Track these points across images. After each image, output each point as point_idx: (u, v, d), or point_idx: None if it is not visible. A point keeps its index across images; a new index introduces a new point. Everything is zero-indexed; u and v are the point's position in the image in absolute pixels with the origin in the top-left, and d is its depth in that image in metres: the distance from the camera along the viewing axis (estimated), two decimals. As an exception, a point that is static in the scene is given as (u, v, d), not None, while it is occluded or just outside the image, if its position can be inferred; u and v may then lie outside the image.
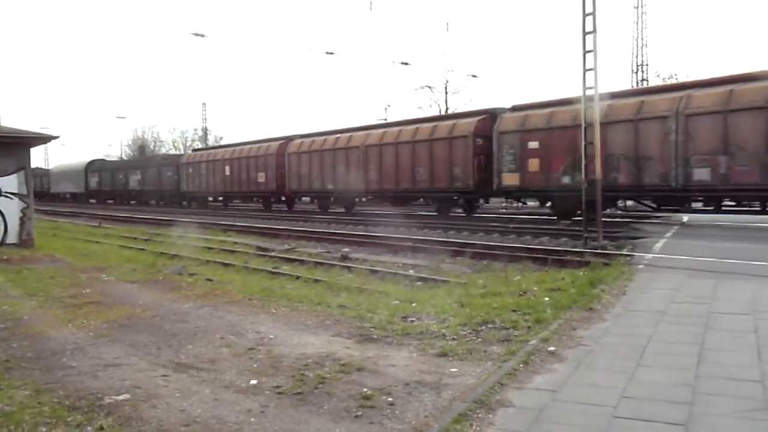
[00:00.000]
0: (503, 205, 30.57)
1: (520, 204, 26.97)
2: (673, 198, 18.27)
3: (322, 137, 31.84)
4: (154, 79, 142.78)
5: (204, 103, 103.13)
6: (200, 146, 74.20)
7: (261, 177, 34.60)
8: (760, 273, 9.15)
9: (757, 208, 17.87)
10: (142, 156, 69.77)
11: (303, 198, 36.09)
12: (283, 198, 34.83)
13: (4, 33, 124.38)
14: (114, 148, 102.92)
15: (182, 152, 63.56)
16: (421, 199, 27.90)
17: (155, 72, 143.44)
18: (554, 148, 20.26)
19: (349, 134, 29.98)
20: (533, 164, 20.90)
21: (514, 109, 22.79)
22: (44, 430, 4.19)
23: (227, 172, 37.51)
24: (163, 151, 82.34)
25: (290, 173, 32.61)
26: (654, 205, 19.78)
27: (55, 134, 18.50)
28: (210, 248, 17.08)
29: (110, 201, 52.90)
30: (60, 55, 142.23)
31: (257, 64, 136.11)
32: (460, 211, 25.77)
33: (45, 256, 14.58)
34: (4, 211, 15.96)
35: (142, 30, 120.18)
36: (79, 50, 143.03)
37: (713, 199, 17.79)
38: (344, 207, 30.74)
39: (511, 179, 21.65)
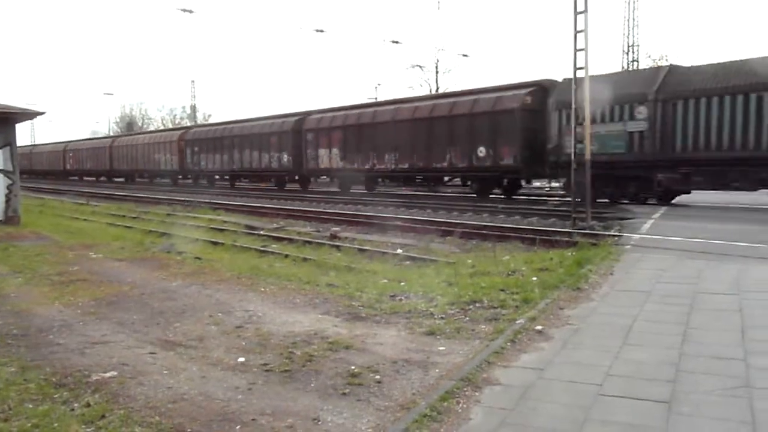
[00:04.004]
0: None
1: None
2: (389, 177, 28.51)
3: (206, 128, 41.92)
4: (142, 55, 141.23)
5: (193, 81, 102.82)
6: (186, 125, 73.73)
7: (163, 159, 42.84)
8: (746, 254, 9.24)
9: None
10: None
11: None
12: (188, 177, 43.05)
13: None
14: (102, 124, 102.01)
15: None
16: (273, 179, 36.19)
17: (143, 48, 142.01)
18: (334, 142, 29.21)
19: (231, 126, 38.54)
20: (322, 153, 29.90)
21: (317, 112, 31.90)
22: (30, 406, 4.18)
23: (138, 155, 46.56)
24: (152, 128, 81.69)
25: (186, 157, 40.87)
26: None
27: (41, 110, 18.31)
28: (198, 226, 17.01)
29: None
30: (46, 30, 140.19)
31: (246, 42, 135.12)
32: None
33: (31, 234, 14.47)
34: (-11, 188, 15.81)
35: (130, 5, 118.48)
36: (65, 25, 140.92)
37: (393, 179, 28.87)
38: (230, 183, 39.09)
39: (311, 164, 30.68)
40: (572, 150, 13.98)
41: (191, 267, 9.87)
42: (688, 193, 19.16)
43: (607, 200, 19.52)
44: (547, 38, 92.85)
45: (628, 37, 45.62)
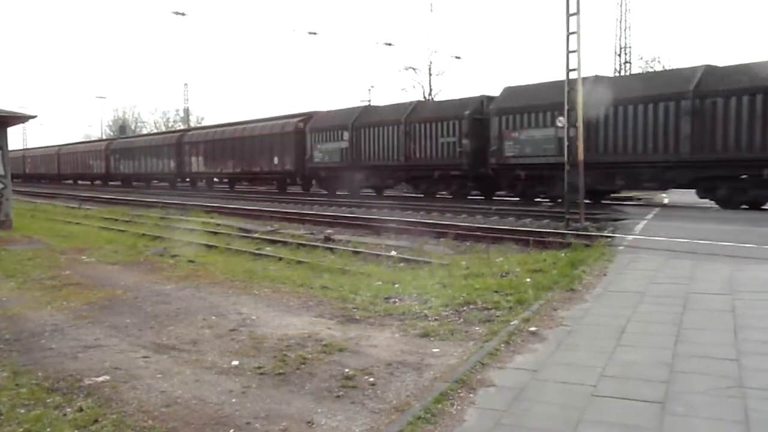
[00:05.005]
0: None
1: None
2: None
3: (123, 140, 53.38)
4: (135, 58, 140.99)
5: (186, 84, 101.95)
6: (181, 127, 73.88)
7: (95, 165, 52.27)
8: (738, 254, 9.28)
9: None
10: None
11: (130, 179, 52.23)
12: (113, 179, 51.90)
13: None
14: (94, 128, 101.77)
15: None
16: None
17: (136, 51, 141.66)
18: (200, 153, 39.20)
19: (138, 138, 51.12)
20: (193, 161, 39.99)
21: (194, 129, 45.57)
22: (23, 411, 4.15)
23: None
24: (145, 131, 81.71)
25: (110, 163, 50.25)
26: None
27: (32, 114, 18.17)
28: (192, 229, 16.95)
29: None
30: (38, 33, 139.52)
31: (240, 44, 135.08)
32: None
33: (23, 238, 14.38)
34: (-20, 192, 15.78)
35: (122, 7, 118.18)
36: (58, 28, 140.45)
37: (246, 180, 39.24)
38: (145, 184, 48.34)
39: (187, 169, 40.77)
40: (565, 154, 13.99)
41: (185, 270, 9.84)
42: (373, 188, 29.41)
43: (346, 192, 29.70)
44: (540, 40, 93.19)
45: (620, 39, 45.82)
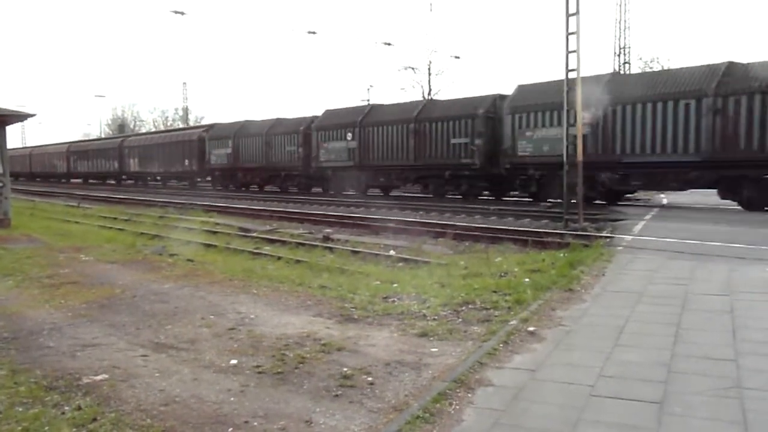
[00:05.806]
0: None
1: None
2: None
3: (79, 143, 62.16)
4: (134, 57, 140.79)
5: (185, 83, 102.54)
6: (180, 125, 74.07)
7: (58, 165, 59.68)
8: (736, 254, 9.29)
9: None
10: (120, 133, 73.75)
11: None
12: (74, 177, 58.64)
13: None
14: (93, 127, 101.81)
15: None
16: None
17: (135, 50, 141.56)
18: (136, 155, 46.42)
19: (91, 142, 59.98)
20: (131, 162, 47.19)
21: (131, 136, 54.05)
22: (21, 410, 4.15)
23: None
24: (143, 130, 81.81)
25: (71, 163, 57.01)
26: None
27: (31, 112, 18.14)
28: (191, 228, 16.95)
29: None
30: (37, 32, 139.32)
31: (239, 43, 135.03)
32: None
33: (22, 236, 14.36)
34: (-22, 191, 15.80)
35: (122, 6, 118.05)
36: (57, 26, 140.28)
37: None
38: (102, 181, 54.98)
39: (126, 169, 48.16)
40: (564, 153, 14.00)
41: (183, 269, 9.83)
42: (253, 184, 36.54)
43: (234, 187, 37.02)
44: (539, 40, 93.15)
45: (619, 40, 45.79)
